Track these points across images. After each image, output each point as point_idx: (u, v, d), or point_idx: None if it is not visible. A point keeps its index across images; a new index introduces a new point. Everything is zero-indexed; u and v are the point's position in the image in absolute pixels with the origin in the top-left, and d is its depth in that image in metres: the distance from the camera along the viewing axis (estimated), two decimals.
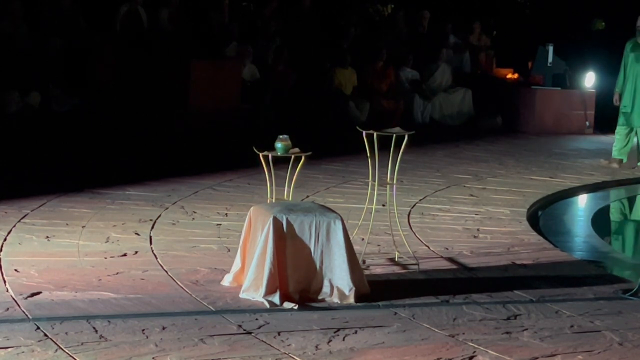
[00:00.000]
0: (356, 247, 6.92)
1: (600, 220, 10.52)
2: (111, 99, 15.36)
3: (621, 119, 13.69)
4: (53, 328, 5.60)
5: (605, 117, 18.41)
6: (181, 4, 17.55)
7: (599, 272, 7.87)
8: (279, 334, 5.69)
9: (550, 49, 18.07)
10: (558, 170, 12.92)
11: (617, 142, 13.70)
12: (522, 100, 18.11)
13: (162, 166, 11.92)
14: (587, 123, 18.22)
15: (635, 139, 13.65)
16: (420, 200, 10.41)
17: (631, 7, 26.48)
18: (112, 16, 16.74)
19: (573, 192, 11.88)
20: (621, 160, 13.60)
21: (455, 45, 19.90)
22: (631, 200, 12.22)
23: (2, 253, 7.33)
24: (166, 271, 7.04)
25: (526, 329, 6.01)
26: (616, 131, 13.80)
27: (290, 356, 5.37)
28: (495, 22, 22.41)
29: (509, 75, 19.97)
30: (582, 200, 11.82)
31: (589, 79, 18.42)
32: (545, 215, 10.67)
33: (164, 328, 5.70)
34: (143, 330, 5.64)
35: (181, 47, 16.46)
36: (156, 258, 7.43)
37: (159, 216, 8.98)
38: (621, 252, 8.70)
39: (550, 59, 17.94)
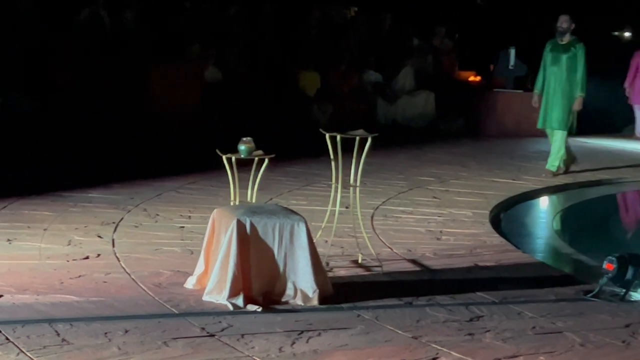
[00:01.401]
0: (320, 250, 6.93)
1: (562, 222, 10.59)
2: (72, 101, 15.26)
3: (539, 122, 13.19)
4: (15, 331, 5.56)
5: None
6: (144, 7, 17.49)
7: (561, 274, 7.92)
8: (242, 337, 5.68)
9: (512, 52, 18.16)
10: (520, 173, 12.99)
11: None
12: (485, 102, 18.19)
13: (125, 169, 11.85)
14: None
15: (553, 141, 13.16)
16: (383, 202, 10.43)
17: (588, 9, 26.69)
18: (73, 18, 16.65)
19: (535, 194, 11.95)
20: (552, 172, 13.00)
21: (418, 48, 19.96)
22: (592, 202, 12.29)
23: None
24: (129, 274, 7.01)
25: (489, 331, 6.04)
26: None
27: (254, 359, 5.36)
28: (457, 26, 22.50)
29: (472, 78, 20.06)
30: (544, 202, 11.89)
31: None
32: (507, 217, 10.72)
33: (126, 331, 5.67)
34: (106, 333, 5.62)
35: (143, 49, 16.41)
36: (119, 261, 7.40)
37: (122, 219, 8.94)
38: (583, 253, 8.75)
39: (512, 62, 18.03)
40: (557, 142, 13.01)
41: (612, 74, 20.33)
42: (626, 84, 18.83)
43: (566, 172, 13.05)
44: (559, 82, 12.87)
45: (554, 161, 13.02)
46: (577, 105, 12.83)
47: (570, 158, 13.23)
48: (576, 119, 13.02)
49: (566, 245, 9.21)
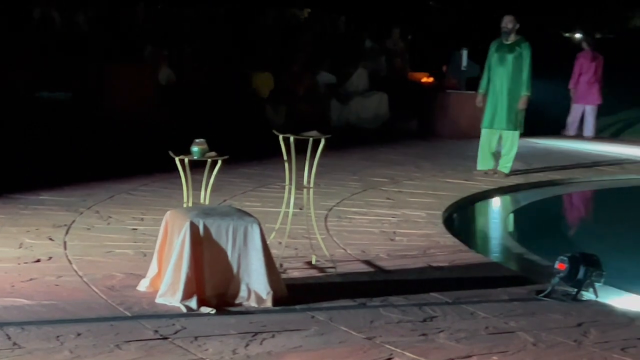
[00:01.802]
0: (273, 251, 6.92)
1: (514, 222, 10.66)
2: (24, 102, 15.14)
3: (485, 121, 13.10)
4: None
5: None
6: (97, 8, 17.39)
7: (513, 274, 7.97)
8: (196, 339, 5.66)
9: (464, 53, 18.28)
10: (473, 173, 13.06)
11: (481, 148, 13.14)
12: (437, 103, 18.27)
13: (77, 170, 11.78)
14: None
15: (495, 142, 13.14)
16: (337, 203, 10.44)
17: (541, 11, 26.93)
18: (25, 20, 16.53)
19: (488, 194, 12.02)
20: (484, 171, 13.01)
21: (371, 49, 20.02)
22: (544, 202, 12.38)
23: None
24: (81, 277, 6.96)
25: (442, 331, 6.06)
26: (481, 135, 13.17)
27: None
28: (410, 27, 22.62)
29: (424, 79, 20.16)
30: (497, 203, 11.96)
31: None
32: (460, 218, 10.78)
33: (79, 334, 5.63)
34: (58, 337, 5.57)
35: (97, 51, 16.32)
36: (71, 264, 7.34)
37: (74, 221, 8.87)
38: (535, 253, 8.81)
39: (464, 63, 18.14)
40: (508, 143, 13.04)
41: (564, 75, 20.54)
42: (571, 85, 19.11)
43: (485, 174, 12.95)
44: (506, 82, 12.89)
45: (507, 162, 13.06)
46: (521, 104, 12.84)
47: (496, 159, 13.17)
48: (523, 118, 13.04)
49: (518, 246, 9.27)
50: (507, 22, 12.98)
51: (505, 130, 13.02)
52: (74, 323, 5.84)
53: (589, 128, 19.11)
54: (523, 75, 12.84)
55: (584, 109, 19.09)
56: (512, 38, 12.98)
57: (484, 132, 13.17)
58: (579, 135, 19.04)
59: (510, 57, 12.90)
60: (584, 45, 19.35)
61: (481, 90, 13.21)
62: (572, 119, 19.18)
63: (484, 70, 13.34)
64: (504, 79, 12.91)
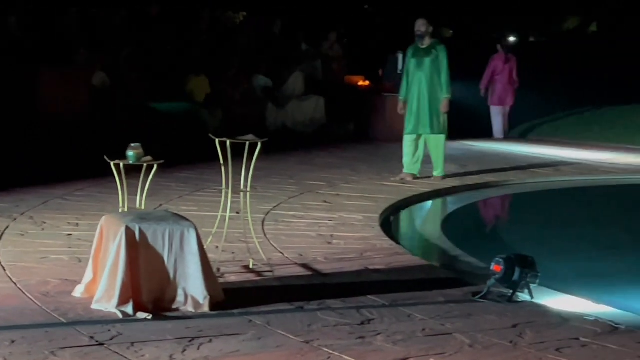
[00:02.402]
0: (210, 256, 6.89)
1: (450, 225, 10.73)
2: None
3: (408, 128, 12.91)
4: None
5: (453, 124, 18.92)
6: (29, 11, 17.19)
7: (450, 276, 8.01)
8: (132, 345, 5.62)
9: (400, 56, 18.38)
10: (400, 177, 13.07)
11: (406, 154, 12.97)
12: (374, 107, 18.35)
13: (10, 175, 11.63)
14: None
15: (422, 148, 12.94)
16: (274, 207, 10.43)
17: (477, 17, 27.17)
18: None
19: (424, 197, 12.08)
20: (414, 175, 12.90)
21: (307, 53, 20.04)
22: (480, 204, 12.49)
23: None
24: (15, 283, 6.88)
25: (380, 333, 6.08)
26: (404, 141, 13.01)
27: None
28: (346, 31, 22.68)
29: (361, 83, 20.23)
30: (433, 205, 12.03)
31: None
32: (397, 221, 10.83)
33: (13, 341, 5.56)
34: None
35: (29, 55, 16.13)
36: (4, 270, 7.25)
37: (7, 227, 8.77)
38: (471, 255, 8.87)
39: (400, 67, 18.23)
40: (436, 147, 12.90)
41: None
42: (482, 86, 19.39)
43: (415, 178, 12.86)
44: (425, 87, 12.76)
45: (439, 166, 13.00)
46: (443, 107, 12.74)
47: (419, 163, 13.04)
48: (447, 121, 12.90)
49: (455, 248, 9.32)
50: (420, 26, 12.82)
51: (431, 135, 12.87)
52: (8, 330, 5.76)
53: (499, 129, 19.43)
54: (442, 78, 12.72)
55: (501, 109, 19.43)
56: (427, 42, 12.83)
57: (407, 138, 12.98)
58: (509, 137, 19.29)
59: (427, 61, 12.76)
60: (498, 47, 19.64)
61: (401, 97, 13.03)
62: (497, 122, 19.44)
63: (402, 76, 13.19)
64: (423, 84, 12.78)
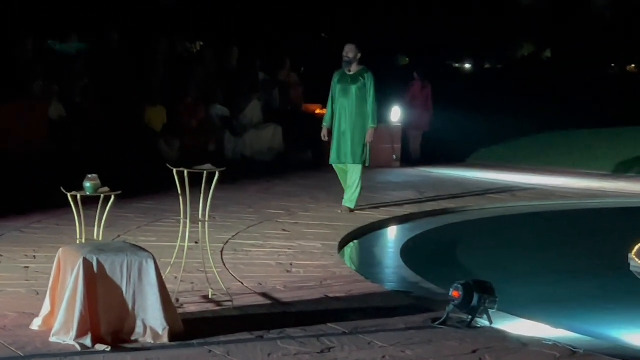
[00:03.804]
0: (169, 286, 6.86)
1: (409, 251, 10.76)
2: None
3: (331, 157, 12.52)
4: None
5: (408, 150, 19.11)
6: None
7: (410, 302, 8.03)
8: None
9: None
10: (367, 203, 13.13)
11: (343, 183, 12.63)
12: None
13: None
14: (395, 156, 18.80)
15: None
16: (233, 236, 10.42)
17: (434, 44, 27.37)
18: None
19: (382, 224, 12.11)
20: (349, 209, 12.39)
21: (264, 82, 20.08)
22: (438, 231, 12.52)
23: None
24: None
25: None
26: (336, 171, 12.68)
27: None
28: (302, 59, 22.75)
29: (318, 111, 20.26)
30: (392, 232, 12.06)
31: (395, 114, 18.99)
32: (356, 248, 10.85)
33: None
34: None
35: None
36: None
37: None
38: (430, 282, 8.90)
39: None
40: (353, 177, 12.45)
41: (454, 105, 20.90)
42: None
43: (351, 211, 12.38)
44: (350, 115, 12.30)
45: (352, 196, 12.50)
46: (369, 137, 12.26)
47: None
48: (369, 152, 12.42)
49: (414, 274, 9.35)
50: (348, 52, 12.29)
51: (350, 164, 12.43)
52: None
53: (416, 149, 19.67)
54: (368, 106, 12.23)
55: (418, 134, 19.69)
56: (354, 68, 12.32)
57: (335, 167, 12.67)
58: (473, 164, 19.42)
59: (353, 88, 12.25)
60: (415, 75, 19.96)
61: (325, 124, 12.58)
62: (413, 146, 19.65)
63: (327, 102, 12.68)
64: (349, 112, 12.30)
